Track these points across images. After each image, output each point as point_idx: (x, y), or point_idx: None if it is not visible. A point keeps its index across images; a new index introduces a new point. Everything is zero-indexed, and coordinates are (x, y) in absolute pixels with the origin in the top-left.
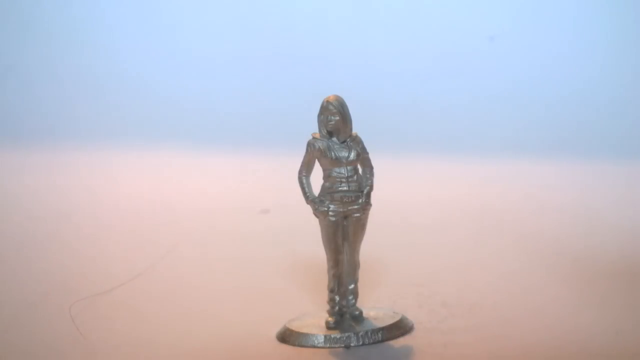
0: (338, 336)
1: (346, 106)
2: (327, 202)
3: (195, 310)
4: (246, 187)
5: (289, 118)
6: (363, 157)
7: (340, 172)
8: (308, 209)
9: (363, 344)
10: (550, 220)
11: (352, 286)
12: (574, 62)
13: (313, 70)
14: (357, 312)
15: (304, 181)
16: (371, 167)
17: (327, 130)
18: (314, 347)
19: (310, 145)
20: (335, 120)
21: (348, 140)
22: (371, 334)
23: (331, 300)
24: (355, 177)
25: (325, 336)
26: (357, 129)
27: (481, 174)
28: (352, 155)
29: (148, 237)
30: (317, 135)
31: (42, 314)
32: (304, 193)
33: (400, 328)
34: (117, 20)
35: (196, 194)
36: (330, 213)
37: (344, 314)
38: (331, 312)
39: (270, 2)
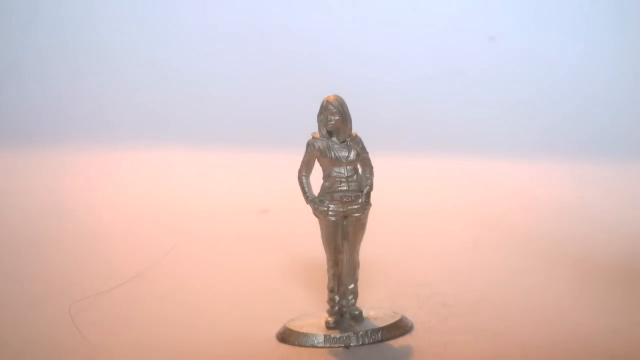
0: (338, 336)
1: (346, 106)
2: (327, 202)
3: (195, 310)
4: (246, 187)
5: (289, 118)
6: (363, 157)
7: (340, 172)
8: (308, 209)
9: (363, 344)
10: (550, 220)
11: (352, 286)
12: (574, 62)
13: (313, 70)
14: (357, 312)
15: (304, 181)
16: (371, 167)
17: (327, 130)
18: (314, 347)
19: (310, 145)
20: (335, 120)
21: (348, 140)
22: (371, 334)
23: (331, 300)
24: (355, 177)
25: (325, 336)
26: (357, 129)
27: (481, 174)
28: (352, 155)
29: (148, 237)
30: (317, 135)
31: (42, 314)
32: (304, 193)
33: (400, 328)
34: (116, 20)
35: (196, 194)
36: (330, 213)
37: (344, 314)
38: (331, 312)
39: (270, 2)
